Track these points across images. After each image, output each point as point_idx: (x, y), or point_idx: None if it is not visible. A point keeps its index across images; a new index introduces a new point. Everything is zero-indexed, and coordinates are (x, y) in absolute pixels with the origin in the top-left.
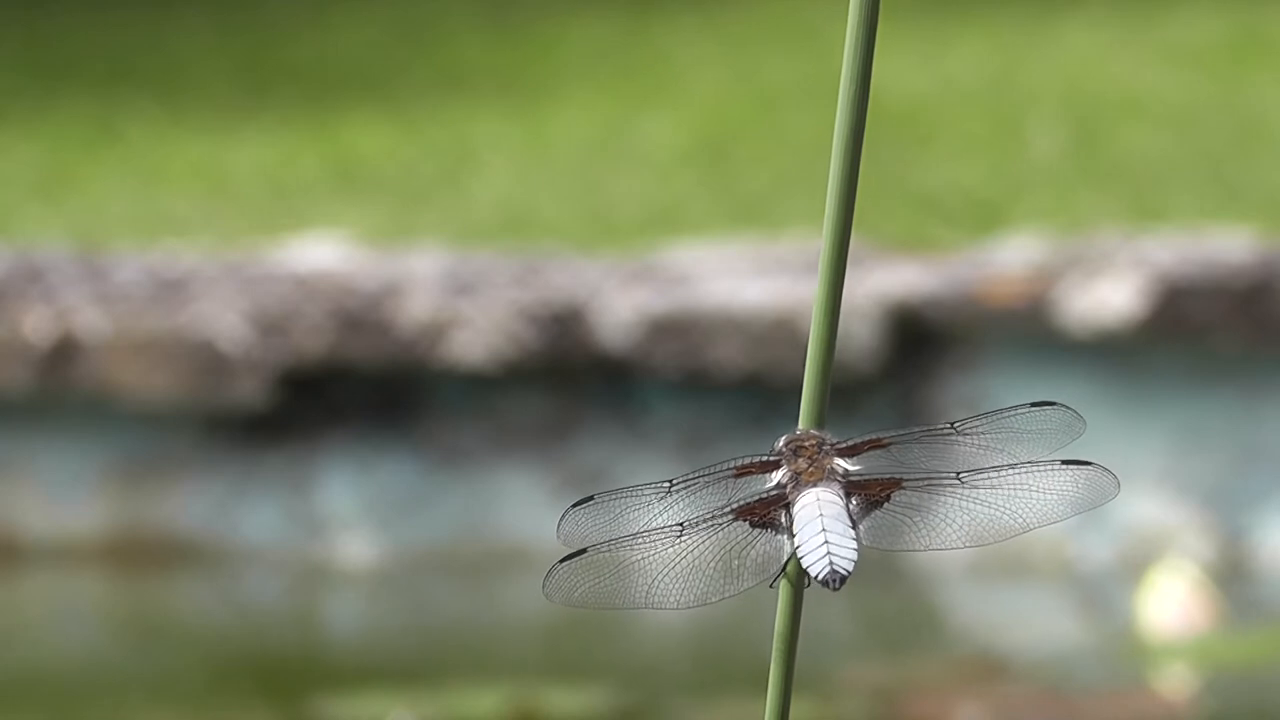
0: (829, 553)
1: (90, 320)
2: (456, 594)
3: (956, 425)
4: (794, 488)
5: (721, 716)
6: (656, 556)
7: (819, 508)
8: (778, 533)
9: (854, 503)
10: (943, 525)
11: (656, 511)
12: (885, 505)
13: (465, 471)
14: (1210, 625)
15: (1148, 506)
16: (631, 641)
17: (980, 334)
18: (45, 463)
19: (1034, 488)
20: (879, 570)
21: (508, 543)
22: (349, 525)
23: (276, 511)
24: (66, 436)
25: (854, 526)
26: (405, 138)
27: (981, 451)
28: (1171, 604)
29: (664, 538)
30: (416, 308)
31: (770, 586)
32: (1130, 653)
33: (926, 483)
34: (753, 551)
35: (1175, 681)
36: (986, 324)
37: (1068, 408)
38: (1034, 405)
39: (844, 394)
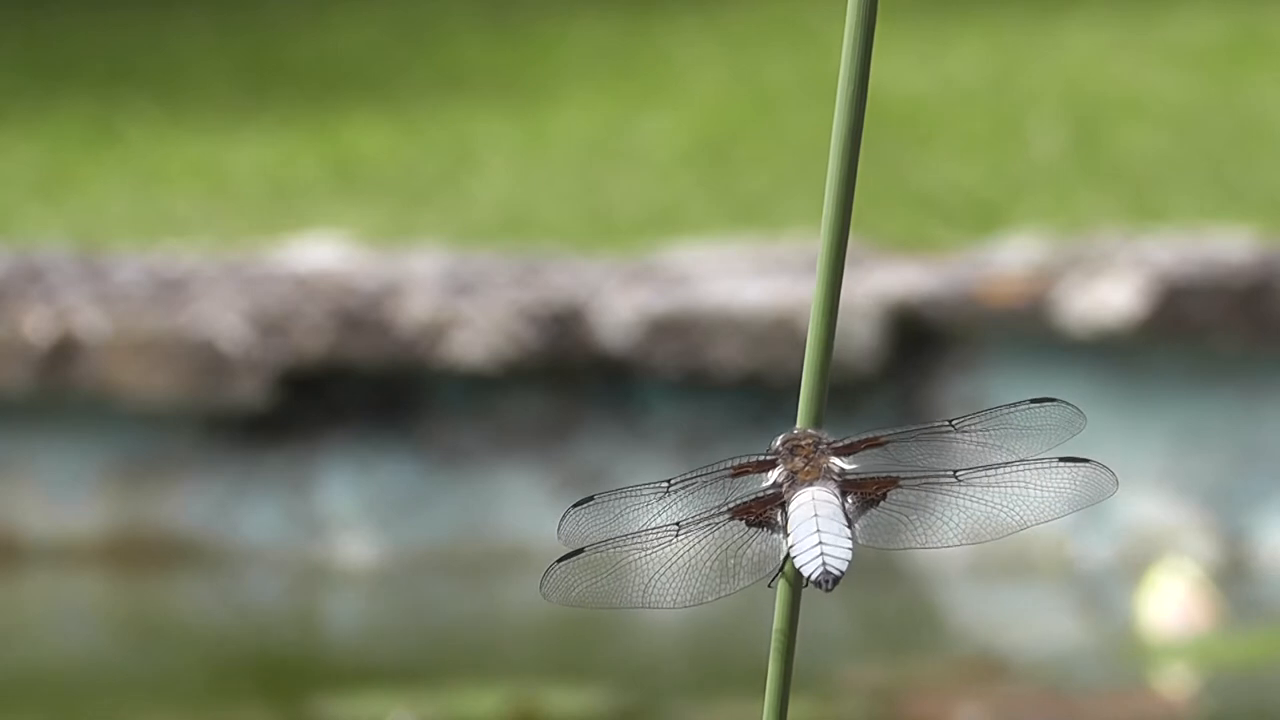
0: (822, 553)
1: (90, 320)
2: (456, 594)
3: (955, 423)
4: (790, 487)
5: (721, 716)
6: (653, 556)
7: (814, 507)
8: (774, 532)
9: (850, 501)
10: (940, 523)
11: (655, 511)
12: (882, 504)
13: (465, 471)
14: (1210, 625)
15: (1148, 506)
16: (631, 641)
17: (980, 334)
18: (45, 463)
19: (1032, 485)
20: (879, 570)
21: (508, 543)
22: (349, 525)
23: (276, 511)
24: (66, 436)
25: (849, 526)
26: (405, 138)
27: (980, 449)
28: (1171, 604)
29: (660, 537)
30: (416, 308)
31: (768, 586)
32: (1130, 653)
33: (923, 481)
34: (749, 550)
35: (1175, 681)
36: (986, 324)
37: (1068, 404)
38: (1034, 401)
39: (844, 394)
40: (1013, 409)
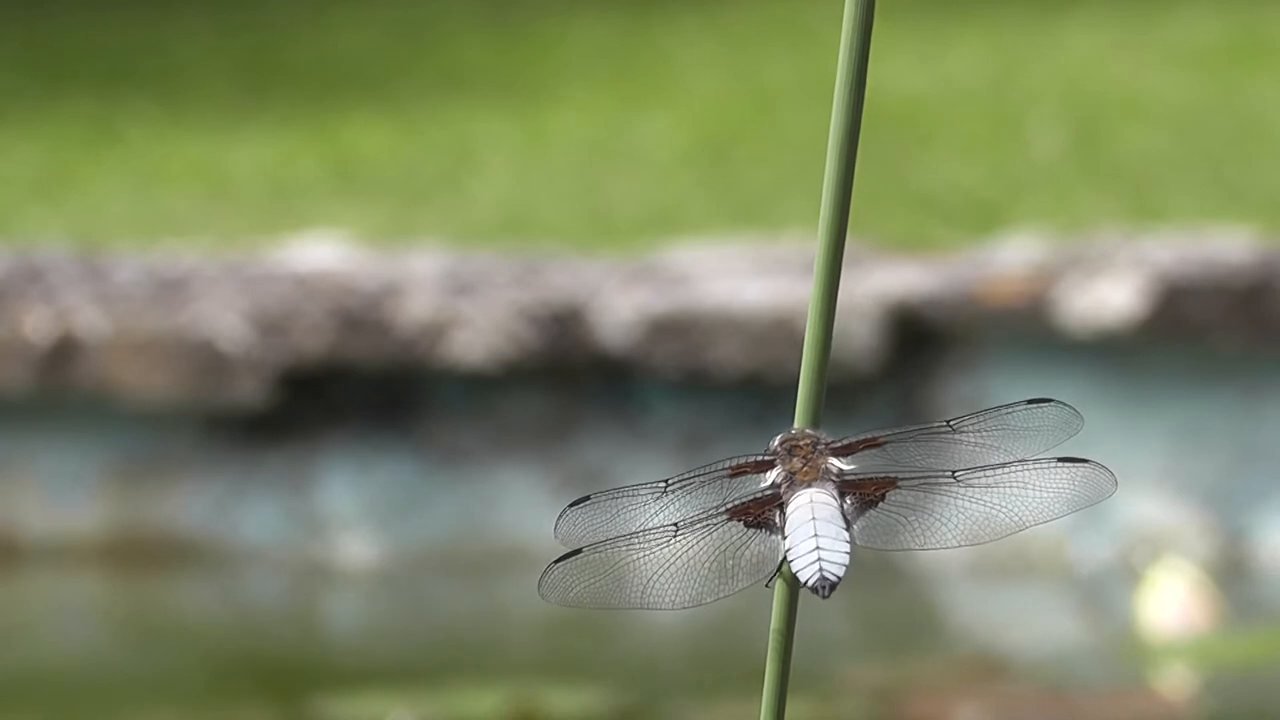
0: (820, 558)
1: (90, 320)
2: (456, 594)
3: (953, 423)
4: (788, 488)
5: (720, 716)
6: (651, 557)
7: (812, 510)
8: (772, 533)
9: (848, 503)
10: (938, 524)
11: (653, 511)
12: (880, 505)
13: (465, 471)
14: (1210, 625)
15: (1148, 506)
16: (630, 641)
17: (980, 334)
18: (45, 463)
19: (1030, 486)
20: (879, 570)
21: (508, 543)
22: (349, 525)
23: (276, 511)
24: (66, 436)
25: (848, 528)
26: (405, 138)
27: (978, 450)
28: (1171, 604)
29: (659, 538)
30: (416, 308)
31: (766, 586)
32: (1130, 653)
33: (922, 482)
34: (747, 552)
35: (1175, 681)
36: (986, 324)
37: (1065, 404)
38: (1031, 402)
39: (844, 394)
40: (1010, 410)
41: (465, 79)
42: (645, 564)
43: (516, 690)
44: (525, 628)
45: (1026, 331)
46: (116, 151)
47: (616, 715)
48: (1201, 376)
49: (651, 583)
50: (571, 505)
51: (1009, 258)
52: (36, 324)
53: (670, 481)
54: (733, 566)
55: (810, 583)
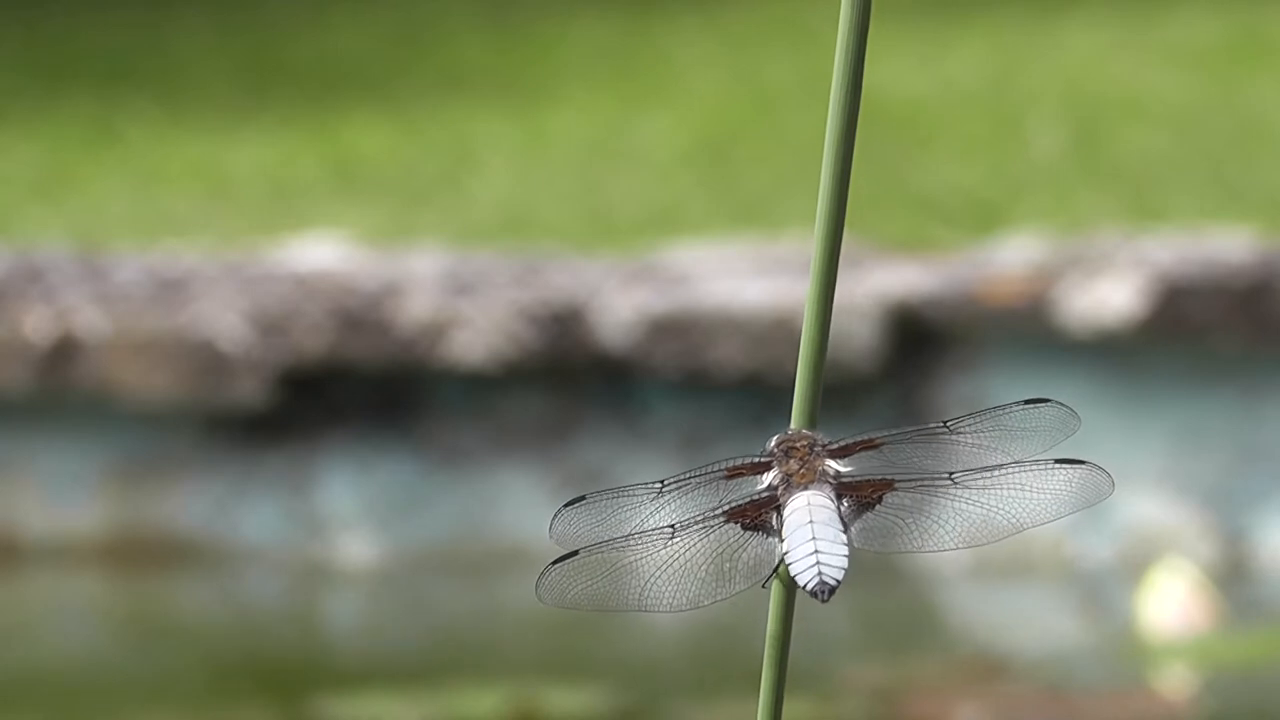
0: (818, 562)
1: (90, 320)
2: (456, 594)
3: (950, 424)
4: (785, 490)
5: (720, 716)
6: (649, 559)
7: (809, 513)
8: (769, 535)
9: (846, 505)
10: (936, 526)
11: (649, 512)
12: (877, 507)
13: (465, 471)
14: (1210, 625)
15: (1148, 506)
16: (630, 642)
17: (980, 334)
18: (45, 463)
19: (1028, 487)
20: (878, 570)
21: (508, 543)
22: (349, 525)
23: (276, 511)
24: (66, 436)
25: (845, 530)
26: (405, 138)
27: (975, 451)
28: (1171, 604)
29: (656, 540)
30: (416, 308)
31: (763, 587)
32: (1130, 653)
33: (919, 483)
34: (745, 554)
35: (1175, 681)
36: (986, 324)
37: (1062, 404)
38: (1028, 403)
39: (844, 394)
40: (1007, 410)
41: (465, 79)
42: (643, 566)
43: (516, 690)
44: (525, 628)
45: (1026, 331)
46: (116, 151)
47: (616, 715)
48: (1201, 376)
49: (649, 585)
50: (567, 505)
51: (1009, 258)
52: (36, 324)
53: (666, 482)
54: (730, 569)
55: (809, 587)
